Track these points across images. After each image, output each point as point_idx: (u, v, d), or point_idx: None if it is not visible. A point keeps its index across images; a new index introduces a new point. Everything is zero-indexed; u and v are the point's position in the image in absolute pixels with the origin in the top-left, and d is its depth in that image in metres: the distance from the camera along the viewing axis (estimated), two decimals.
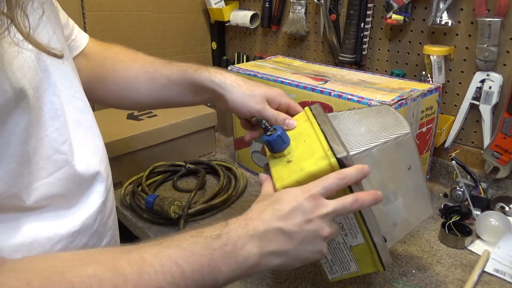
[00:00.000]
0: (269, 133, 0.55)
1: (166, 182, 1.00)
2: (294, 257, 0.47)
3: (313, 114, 0.59)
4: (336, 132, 0.54)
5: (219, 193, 0.90)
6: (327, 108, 0.79)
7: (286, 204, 0.47)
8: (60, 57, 0.40)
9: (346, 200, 0.48)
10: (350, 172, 0.49)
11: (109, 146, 0.89)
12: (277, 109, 0.65)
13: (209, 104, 1.32)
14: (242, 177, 0.97)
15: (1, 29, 0.33)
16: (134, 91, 0.73)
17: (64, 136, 0.49)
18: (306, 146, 0.54)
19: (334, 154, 0.50)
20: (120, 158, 0.95)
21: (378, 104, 0.71)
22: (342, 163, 0.49)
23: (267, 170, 0.57)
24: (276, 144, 0.55)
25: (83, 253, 0.41)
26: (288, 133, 0.57)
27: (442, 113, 0.98)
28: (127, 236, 0.84)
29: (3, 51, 0.38)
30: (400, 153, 0.57)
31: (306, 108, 0.61)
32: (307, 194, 0.47)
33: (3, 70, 0.38)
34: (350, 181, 0.49)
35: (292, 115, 0.65)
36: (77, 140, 0.52)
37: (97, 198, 0.55)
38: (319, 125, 0.55)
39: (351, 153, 0.51)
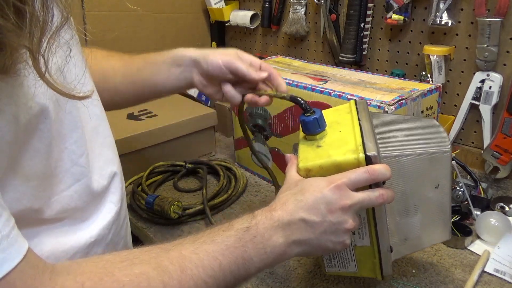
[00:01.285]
0: (307, 114, 0.54)
1: (166, 182, 1.00)
2: (316, 246, 0.49)
3: (356, 108, 0.58)
4: (373, 131, 0.53)
5: (219, 193, 0.90)
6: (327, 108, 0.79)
7: (309, 195, 0.48)
8: (79, 98, 0.40)
9: (373, 194, 0.48)
10: (379, 169, 0.48)
11: None
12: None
13: (209, 104, 1.32)
14: (242, 177, 0.97)
15: (20, 63, 0.33)
16: (111, 82, 0.69)
17: (82, 148, 0.48)
18: (340, 136, 0.54)
19: (365, 151, 0.49)
20: (120, 158, 0.95)
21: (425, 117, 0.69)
22: (369, 161, 0.49)
23: (295, 150, 0.57)
24: (311, 126, 0.54)
25: (125, 254, 0.42)
26: (326, 120, 0.56)
27: (442, 113, 0.98)
28: None
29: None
30: (432, 170, 0.55)
31: (352, 101, 0.61)
32: (331, 185, 0.47)
33: (28, 86, 0.38)
34: (378, 178, 0.48)
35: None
36: (94, 151, 0.52)
37: (111, 208, 0.54)
38: (359, 120, 0.55)
39: (382, 154, 0.50)
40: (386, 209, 0.53)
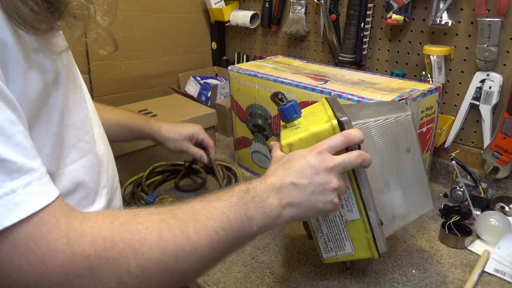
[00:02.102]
0: (283, 103, 0.61)
1: (166, 181, 1.00)
2: (308, 207, 0.53)
3: (327, 100, 0.64)
4: (343, 109, 0.58)
5: None
6: None
7: (296, 162, 0.53)
8: None
9: (351, 154, 0.53)
10: (353, 132, 0.54)
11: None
12: (197, 142, 0.92)
13: (209, 104, 1.32)
14: (242, 177, 0.97)
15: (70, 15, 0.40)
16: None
17: (87, 126, 0.52)
18: (315, 118, 0.60)
19: (336, 117, 0.55)
20: (120, 158, 0.95)
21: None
22: (342, 126, 0.55)
23: (278, 139, 0.62)
24: (288, 112, 0.61)
25: (143, 208, 0.45)
26: (302, 112, 0.63)
27: (442, 113, 0.98)
28: None
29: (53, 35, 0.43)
30: (400, 133, 0.61)
31: (323, 98, 0.67)
32: (314, 151, 0.53)
33: (49, 50, 0.43)
34: (353, 140, 0.54)
35: (205, 146, 0.92)
36: (96, 134, 0.55)
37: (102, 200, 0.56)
38: (330, 106, 0.61)
39: (353, 123, 0.56)
40: (368, 180, 0.58)
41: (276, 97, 0.63)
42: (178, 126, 0.91)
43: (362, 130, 0.57)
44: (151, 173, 0.98)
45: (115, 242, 0.39)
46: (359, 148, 0.55)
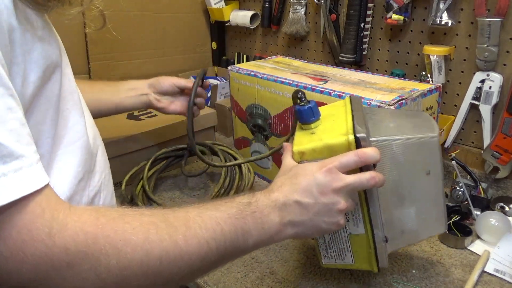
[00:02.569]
0: (302, 103, 0.58)
1: (170, 167, 0.98)
2: (310, 227, 0.51)
3: (351, 102, 0.61)
4: (364, 119, 0.55)
5: (219, 195, 0.88)
6: None
7: (303, 178, 0.51)
8: None
9: (364, 176, 0.50)
10: (369, 152, 0.50)
11: (109, 146, 0.89)
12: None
13: (209, 104, 1.32)
14: (247, 175, 0.94)
15: None
16: None
17: (80, 110, 0.53)
18: (333, 124, 0.57)
19: (354, 133, 0.52)
20: (120, 158, 0.95)
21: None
22: (359, 143, 0.51)
23: (292, 140, 0.60)
24: (306, 114, 0.57)
25: (135, 208, 0.45)
26: (321, 113, 0.59)
27: (442, 113, 0.98)
28: None
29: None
30: (422, 155, 0.57)
31: (347, 98, 0.64)
32: (323, 168, 0.50)
33: (54, 33, 0.44)
34: (367, 161, 0.51)
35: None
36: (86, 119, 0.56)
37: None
38: (352, 111, 0.58)
39: (372, 139, 0.52)
40: (381, 203, 0.55)
41: (296, 95, 0.59)
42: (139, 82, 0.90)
43: (381, 147, 0.53)
44: (154, 161, 0.96)
45: (97, 239, 0.38)
46: (374, 166, 0.51)
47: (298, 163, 0.55)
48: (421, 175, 0.58)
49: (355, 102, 0.61)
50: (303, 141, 0.56)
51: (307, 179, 0.51)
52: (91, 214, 0.40)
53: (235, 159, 0.95)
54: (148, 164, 0.94)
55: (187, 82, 0.89)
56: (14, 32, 0.38)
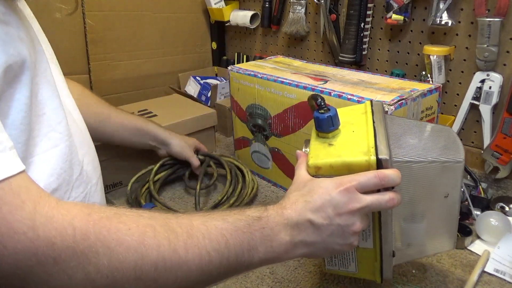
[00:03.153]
0: (322, 111, 0.54)
1: (174, 174, 0.98)
2: (322, 248, 0.49)
3: (372, 109, 0.58)
4: (387, 133, 0.52)
5: (222, 202, 0.85)
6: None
7: (318, 196, 0.48)
8: None
9: (383, 198, 0.48)
10: (390, 174, 0.47)
11: (109, 146, 0.90)
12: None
13: (209, 104, 1.32)
14: (250, 183, 0.92)
15: None
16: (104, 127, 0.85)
17: (59, 116, 0.50)
18: (353, 136, 0.53)
19: (377, 153, 0.48)
20: (120, 158, 0.95)
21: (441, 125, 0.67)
22: (380, 165, 0.48)
23: (306, 145, 0.57)
24: (324, 123, 0.53)
25: (134, 209, 0.43)
26: (340, 119, 0.55)
27: (442, 113, 0.98)
28: None
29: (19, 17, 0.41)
30: (443, 179, 0.54)
31: (367, 102, 0.60)
32: (340, 187, 0.47)
33: (11, 36, 0.41)
34: (387, 184, 0.48)
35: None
36: (70, 126, 0.53)
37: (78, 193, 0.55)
38: (373, 122, 0.54)
39: (393, 159, 0.49)
40: (392, 213, 0.52)
41: (315, 101, 0.54)
42: (184, 137, 0.98)
43: (402, 168, 0.49)
44: (161, 166, 0.95)
45: (87, 235, 0.37)
46: (392, 188, 0.49)
47: (313, 176, 0.51)
48: (439, 197, 0.56)
49: (377, 110, 0.57)
50: (319, 153, 0.52)
51: (322, 197, 0.47)
52: (82, 210, 0.38)
53: (240, 170, 0.96)
54: (155, 168, 0.94)
55: (193, 162, 0.94)
56: None
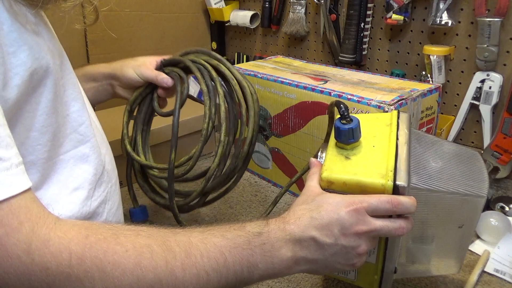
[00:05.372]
0: (344, 121, 0.51)
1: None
2: (323, 266, 0.47)
3: (398, 122, 0.54)
4: (409, 157, 0.49)
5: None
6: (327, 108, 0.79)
7: (325, 214, 0.46)
8: None
9: (393, 225, 0.46)
10: (404, 202, 0.45)
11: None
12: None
13: None
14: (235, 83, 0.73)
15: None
16: None
17: (82, 118, 0.51)
18: (372, 153, 0.51)
19: (394, 179, 0.46)
20: (120, 158, 0.95)
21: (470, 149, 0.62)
22: (396, 191, 0.46)
23: (322, 150, 0.54)
24: (344, 135, 0.51)
25: (132, 226, 0.42)
26: (362, 129, 0.52)
27: (442, 113, 0.99)
28: None
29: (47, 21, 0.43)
30: (461, 210, 0.52)
31: (394, 112, 0.57)
32: (350, 207, 0.45)
33: (40, 46, 0.42)
34: (400, 211, 0.46)
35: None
36: (94, 127, 0.54)
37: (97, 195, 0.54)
38: (397, 139, 0.51)
39: (412, 184, 0.47)
40: (401, 239, 0.51)
41: (338, 109, 0.51)
42: (137, 58, 0.80)
43: (418, 195, 0.47)
44: (130, 113, 0.81)
45: (82, 260, 0.36)
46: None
47: (324, 189, 0.50)
48: (453, 226, 0.54)
49: (402, 123, 0.53)
50: (334, 167, 0.50)
51: (329, 215, 0.45)
52: (80, 231, 0.37)
53: (216, 69, 0.74)
54: (125, 120, 0.79)
55: (156, 78, 0.74)
56: (2, 31, 0.36)
